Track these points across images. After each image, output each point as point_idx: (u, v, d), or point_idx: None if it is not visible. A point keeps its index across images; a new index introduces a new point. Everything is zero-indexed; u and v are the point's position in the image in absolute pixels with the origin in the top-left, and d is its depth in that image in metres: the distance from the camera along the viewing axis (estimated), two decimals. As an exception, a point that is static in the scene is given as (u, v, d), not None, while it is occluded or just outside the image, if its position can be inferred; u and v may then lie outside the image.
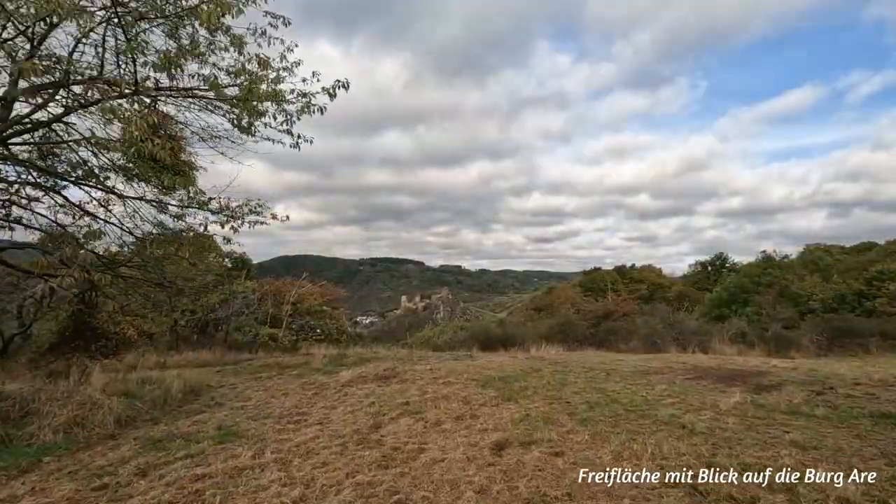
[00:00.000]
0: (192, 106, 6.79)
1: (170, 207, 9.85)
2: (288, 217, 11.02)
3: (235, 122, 6.76)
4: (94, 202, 8.96)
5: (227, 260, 27.89)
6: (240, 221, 10.79)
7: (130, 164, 8.17)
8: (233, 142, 8.93)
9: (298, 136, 7.19)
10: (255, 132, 7.02)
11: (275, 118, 6.74)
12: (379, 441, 5.60)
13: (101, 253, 10.00)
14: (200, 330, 21.13)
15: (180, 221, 9.99)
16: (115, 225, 9.48)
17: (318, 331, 28.17)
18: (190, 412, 7.78)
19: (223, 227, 10.82)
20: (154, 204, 9.81)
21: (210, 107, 6.79)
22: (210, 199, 10.17)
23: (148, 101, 6.85)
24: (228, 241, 13.24)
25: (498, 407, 6.91)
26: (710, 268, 73.04)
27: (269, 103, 6.48)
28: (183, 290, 10.71)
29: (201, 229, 9.89)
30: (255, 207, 10.76)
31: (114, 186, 8.89)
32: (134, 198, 8.41)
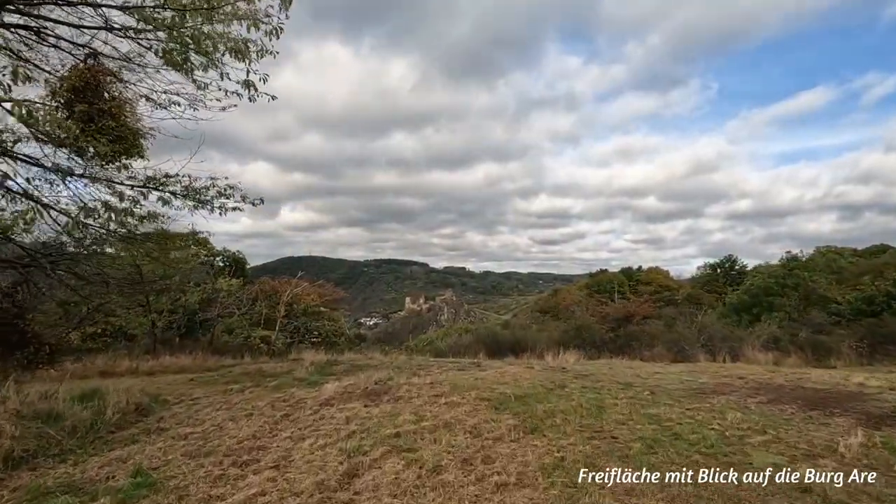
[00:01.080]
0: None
1: (119, 188, 8.11)
2: (262, 200, 9.27)
3: (162, 52, 4.93)
4: (27, 181, 7.20)
5: (217, 259, 26.23)
6: (209, 207, 9.04)
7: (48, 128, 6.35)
8: (190, 106, 7.18)
9: (251, 84, 5.38)
10: (192, 71, 5.18)
11: (217, 49, 4.90)
12: (349, 505, 3.79)
13: (31, 244, 8.27)
14: (185, 332, 19.40)
15: (138, 206, 8.24)
16: (54, 209, 7.74)
17: (316, 333, 26.45)
18: (117, 442, 5.97)
19: (192, 213, 9.05)
20: (103, 183, 8.07)
21: (130, 33, 4.96)
22: (168, 176, 8.40)
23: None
24: (195, 235, 11.43)
25: (519, 443, 5.07)
26: (719, 270, 70.89)
27: (206, 26, 4.66)
28: (135, 287, 9.01)
29: (166, 218, 8.16)
30: (225, 189, 9.01)
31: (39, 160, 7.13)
32: (52, 170, 6.60)
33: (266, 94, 5.72)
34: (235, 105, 6.09)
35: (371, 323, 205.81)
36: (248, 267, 27.76)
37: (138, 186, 8.27)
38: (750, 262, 69.17)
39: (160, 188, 8.40)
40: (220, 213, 9.32)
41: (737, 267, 70.92)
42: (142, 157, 7.69)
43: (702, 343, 15.69)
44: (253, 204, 9.67)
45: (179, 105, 7.08)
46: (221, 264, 26.58)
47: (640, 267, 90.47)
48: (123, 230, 8.15)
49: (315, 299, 28.65)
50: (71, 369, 12.87)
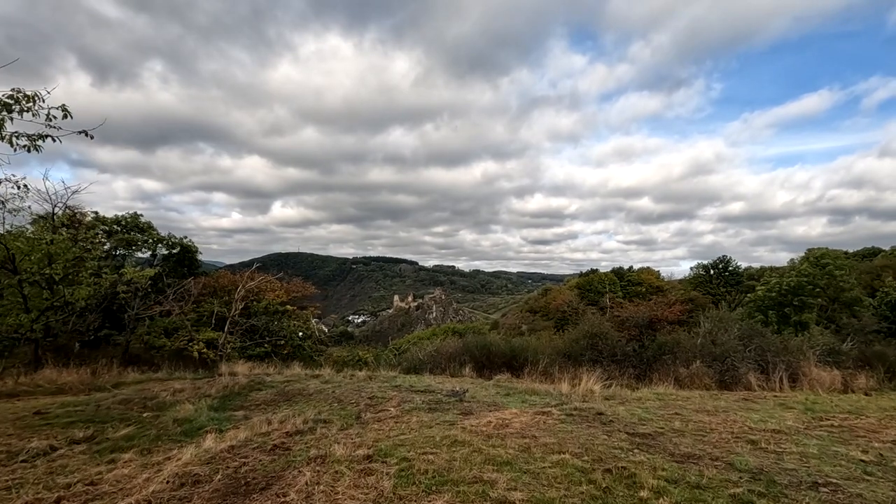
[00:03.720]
0: None
1: None
2: (67, 112, 5.27)
3: None
4: None
5: (160, 245, 21.96)
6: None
7: None
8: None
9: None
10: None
11: None
12: None
13: None
14: (97, 336, 15.19)
15: None
16: None
17: (281, 335, 22.33)
18: None
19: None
20: None
21: None
22: None
23: None
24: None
25: None
26: (712, 271, 67.79)
27: None
28: None
29: None
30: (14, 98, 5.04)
31: None
32: None
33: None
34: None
35: (359, 320, 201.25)
36: (199, 257, 23.48)
37: None
38: (740, 265, 66.10)
39: None
40: (13, 147, 5.31)
41: (730, 268, 67.99)
42: None
43: (751, 358, 11.90)
44: (85, 134, 5.70)
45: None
46: (165, 252, 22.34)
47: (630, 267, 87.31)
48: None
49: (281, 296, 24.53)
50: None
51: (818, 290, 22.61)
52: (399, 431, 5.29)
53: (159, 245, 21.38)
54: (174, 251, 22.26)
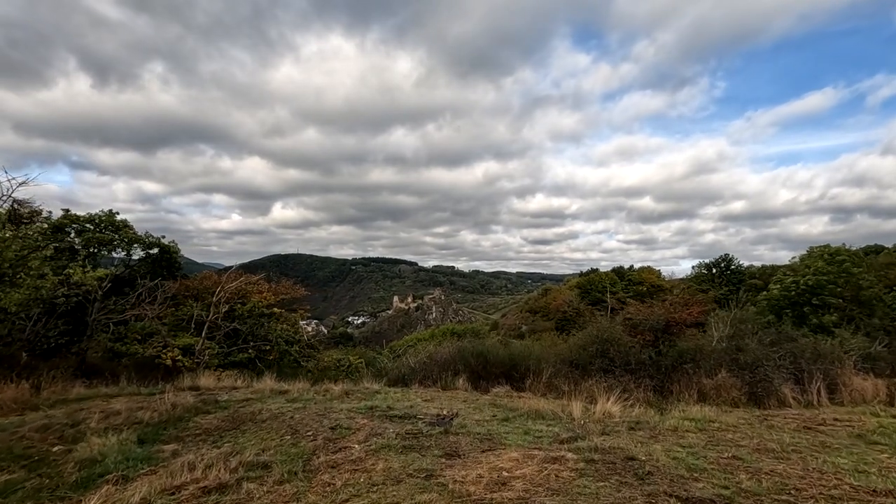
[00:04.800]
0: None
1: None
2: None
3: None
4: None
5: (136, 245, 20.41)
6: None
7: None
8: None
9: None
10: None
11: None
12: None
13: None
14: (52, 344, 13.59)
15: None
16: None
17: (269, 339, 20.76)
18: None
19: None
20: None
21: None
22: None
23: None
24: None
25: None
26: (714, 270, 66.23)
27: None
28: None
29: None
30: None
31: None
32: None
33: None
34: None
35: (359, 321, 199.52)
36: (178, 259, 21.90)
37: None
38: (742, 263, 64.52)
39: None
40: None
41: (732, 267, 66.47)
42: None
43: (784, 366, 10.34)
44: None
45: None
46: (141, 252, 20.78)
47: (631, 266, 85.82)
48: None
49: (268, 298, 22.97)
50: None
51: (838, 289, 21.05)
52: (354, 490, 3.75)
53: (134, 245, 19.81)
54: (151, 251, 20.70)
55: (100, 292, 12.86)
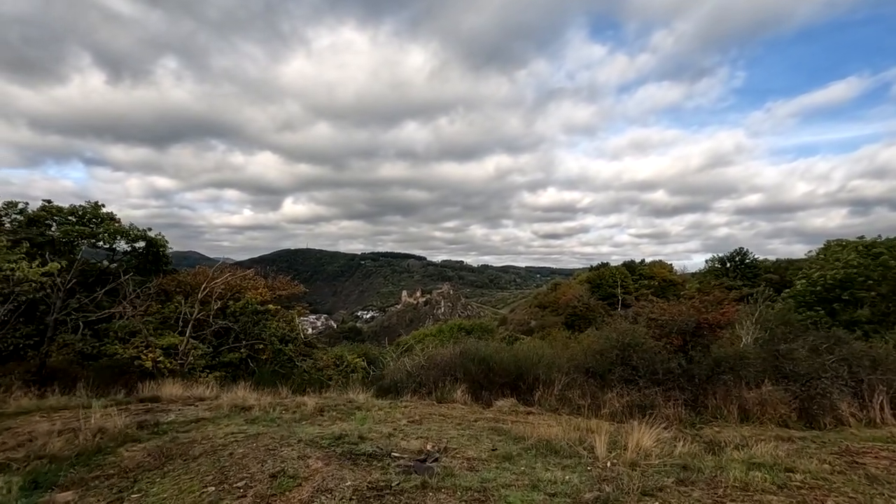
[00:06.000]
0: None
1: None
2: None
3: None
4: None
5: (119, 238, 19.12)
6: None
7: None
8: None
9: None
10: None
11: None
12: None
13: None
14: (10, 347, 12.27)
15: None
16: None
17: (262, 337, 19.41)
18: None
19: None
20: None
21: None
22: None
23: None
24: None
25: None
26: (728, 264, 63.78)
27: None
28: None
29: None
30: None
31: None
32: None
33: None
34: None
35: (368, 316, 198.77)
36: (166, 254, 20.57)
37: None
38: (757, 257, 61.63)
39: None
40: None
41: (746, 261, 63.89)
42: None
43: (842, 376, 8.67)
44: None
45: None
46: (126, 246, 19.48)
47: (642, 260, 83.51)
48: None
49: (263, 294, 21.64)
50: None
51: (870, 282, 19.17)
52: None
53: (118, 238, 18.51)
54: (136, 245, 19.39)
55: (61, 289, 11.53)
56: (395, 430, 6.09)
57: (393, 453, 4.83)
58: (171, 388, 9.91)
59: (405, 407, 8.10)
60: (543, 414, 8.06)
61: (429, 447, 5.01)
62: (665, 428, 6.57)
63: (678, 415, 8.30)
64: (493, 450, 5.25)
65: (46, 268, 9.68)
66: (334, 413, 7.26)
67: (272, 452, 4.96)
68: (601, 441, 5.10)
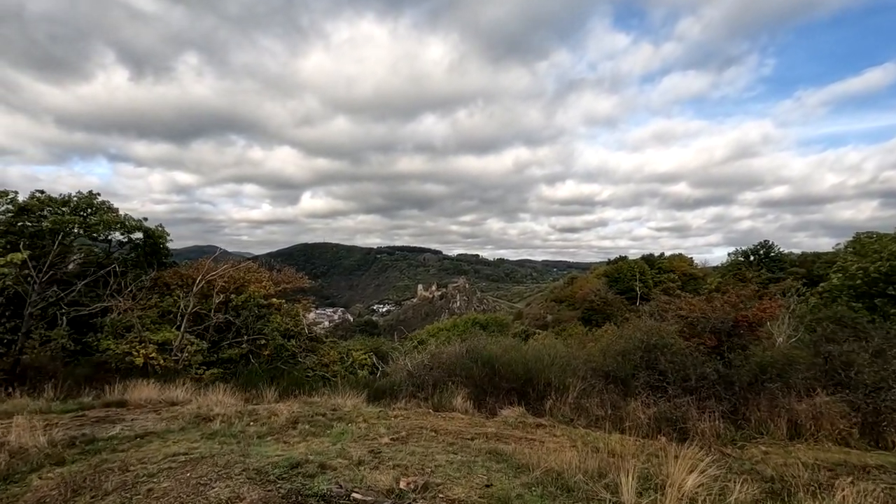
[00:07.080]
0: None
1: None
2: None
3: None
4: None
5: (114, 229, 18.37)
6: None
7: None
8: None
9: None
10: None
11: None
12: None
13: None
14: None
15: None
16: None
17: (264, 332, 18.52)
18: None
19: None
20: None
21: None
22: None
23: None
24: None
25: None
26: (752, 258, 60.92)
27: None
28: None
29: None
30: None
31: None
32: None
33: None
34: None
35: (384, 310, 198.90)
36: (166, 246, 19.78)
37: None
38: (782, 250, 58.52)
39: None
40: None
41: (771, 254, 60.90)
42: None
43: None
44: None
45: None
46: (122, 238, 18.75)
47: (662, 254, 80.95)
48: None
49: (267, 287, 20.74)
50: None
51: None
52: None
53: (112, 228, 17.74)
54: (133, 236, 18.63)
55: (36, 280, 10.69)
56: (370, 452, 4.94)
57: (354, 493, 3.67)
58: (145, 391, 8.95)
59: (394, 417, 6.95)
60: (555, 427, 6.83)
61: (402, 485, 3.84)
62: (701, 448, 5.31)
63: (715, 429, 6.98)
64: (486, 486, 4.06)
65: (7, 258, 8.77)
66: (308, 426, 6.14)
67: (202, 489, 3.84)
68: (628, 480, 3.86)
